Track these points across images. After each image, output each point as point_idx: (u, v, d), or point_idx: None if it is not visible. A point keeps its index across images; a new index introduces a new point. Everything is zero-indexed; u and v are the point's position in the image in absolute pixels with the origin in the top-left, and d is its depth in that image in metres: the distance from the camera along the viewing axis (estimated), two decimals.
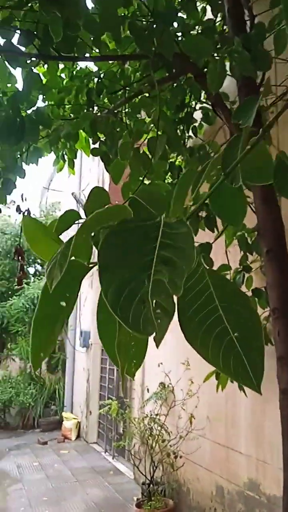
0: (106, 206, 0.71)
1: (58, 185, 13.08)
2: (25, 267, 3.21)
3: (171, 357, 4.92)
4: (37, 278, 10.86)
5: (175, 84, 3.17)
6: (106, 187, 9.05)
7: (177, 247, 0.61)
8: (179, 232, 0.63)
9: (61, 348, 10.97)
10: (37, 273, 12.67)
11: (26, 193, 3.80)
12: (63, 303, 0.70)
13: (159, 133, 2.28)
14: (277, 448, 3.22)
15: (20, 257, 3.03)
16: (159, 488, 4.56)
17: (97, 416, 8.36)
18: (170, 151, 2.78)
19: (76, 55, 2.50)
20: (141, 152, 2.44)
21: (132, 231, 0.66)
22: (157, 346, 0.56)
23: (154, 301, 0.58)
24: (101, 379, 8.54)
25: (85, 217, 1.56)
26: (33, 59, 2.69)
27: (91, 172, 9.87)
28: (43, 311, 0.70)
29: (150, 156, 2.32)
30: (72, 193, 10.22)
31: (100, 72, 3.23)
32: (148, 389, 5.05)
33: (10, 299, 10.52)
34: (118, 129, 3.18)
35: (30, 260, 12.45)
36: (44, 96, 3.08)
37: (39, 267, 13.07)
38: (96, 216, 0.67)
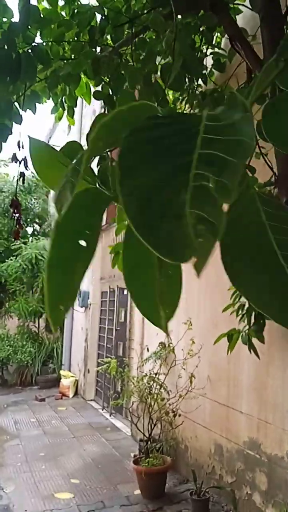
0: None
1: (57, 142, 12.70)
2: (21, 220, 3.00)
3: (174, 318, 4.82)
4: (35, 238, 10.70)
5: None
6: None
7: (229, 140, 0.44)
8: (231, 121, 0.45)
9: None
10: (35, 232, 12.49)
11: (23, 151, 3.57)
12: (83, 242, 0.52)
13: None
14: (280, 409, 3.16)
15: (16, 210, 2.84)
16: (156, 445, 4.57)
17: (95, 374, 8.40)
18: (188, 77, 2.52)
19: None
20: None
21: (163, 126, 0.48)
22: (198, 274, 0.40)
23: (194, 214, 0.41)
24: (99, 338, 8.54)
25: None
26: None
27: None
28: (58, 252, 0.53)
29: (163, 86, 2.10)
30: None
31: (104, 7, 2.95)
32: (148, 349, 5.00)
33: (7, 260, 10.38)
34: (122, 72, 2.93)
35: (28, 220, 12.25)
36: (43, 33, 2.81)
37: (37, 227, 12.88)
38: (117, 114, 0.49)
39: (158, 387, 4.51)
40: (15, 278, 10.19)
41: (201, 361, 4.16)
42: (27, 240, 10.57)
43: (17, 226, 3.11)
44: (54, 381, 9.48)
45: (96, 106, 9.24)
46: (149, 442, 4.49)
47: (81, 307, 9.00)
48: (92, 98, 3.84)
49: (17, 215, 3.38)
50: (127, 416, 6.61)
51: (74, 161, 0.48)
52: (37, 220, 12.68)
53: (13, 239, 10.89)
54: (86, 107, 9.56)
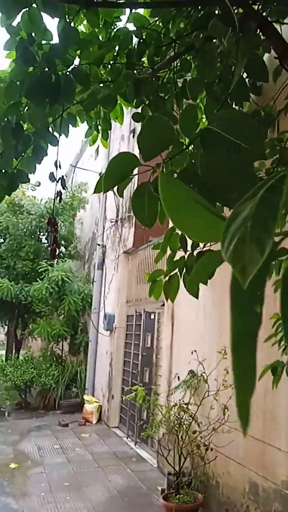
0: None
1: (84, 167, 12.84)
2: (58, 238, 2.95)
3: (206, 345, 4.66)
4: (61, 260, 10.71)
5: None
6: (136, 168, 8.82)
7: None
8: None
9: (84, 331, 10.86)
10: (61, 254, 12.53)
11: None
12: (258, 308, 0.40)
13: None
14: None
15: (53, 228, 2.78)
16: (186, 480, 4.35)
17: (119, 400, 8.21)
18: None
19: (123, 0, 2.21)
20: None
21: None
22: None
23: None
24: (124, 363, 8.37)
25: (139, 155, 1.23)
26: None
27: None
28: (241, 326, 0.40)
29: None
30: (100, 173, 9.97)
31: (143, 30, 2.94)
32: (178, 377, 4.81)
33: (33, 282, 10.39)
34: (162, 94, 2.89)
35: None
36: (82, 54, 2.79)
37: (62, 249, 12.92)
38: None
39: (189, 418, 4.31)
40: (41, 299, 10.17)
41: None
42: (52, 262, 10.58)
43: (54, 244, 3.04)
44: (77, 406, 9.30)
45: (124, 131, 9.32)
46: (178, 477, 4.28)
47: (106, 330, 8.88)
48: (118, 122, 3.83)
49: (54, 232, 3.30)
50: (152, 446, 6.38)
51: (254, 205, 0.35)
52: (63, 242, 12.73)
53: (39, 261, 10.94)
54: (115, 132, 9.65)
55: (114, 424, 8.26)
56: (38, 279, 10.28)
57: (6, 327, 16.61)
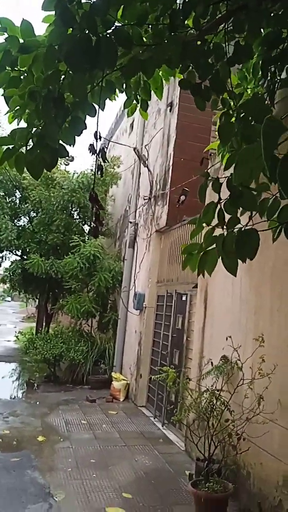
0: None
1: (118, 141, 12.59)
2: (100, 216, 2.76)
3: (241, 331, 4.46)
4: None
5: None
6: (172, 144, 8.44)
7: None
8: None
9: (113, 308, 10.82)
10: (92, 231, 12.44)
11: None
12: None
13: None
14: None
15: (97, 204, 2.60)
16: (214, 467, 4.23)
17: (148, 380, 8.16)
18: None
19: None
20: None
21: None
22: None
23: None
24: (153, 343, 8.27)
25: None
26: None
27: (155, 127, 9.31)
28: None
29: None
30: (135, 149, 9.72)
31: None
32: (211, 362, 4.65)
33: (65, 256, 10.36)
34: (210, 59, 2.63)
35: (86, 218, 12.22)
36: (123, 13, 2.56)
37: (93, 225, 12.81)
38: None
39: (221, 405, 4.16)
40: (71, 275, 10.13)
41: (271, 383, 3.77)
42: (84, 238, 10.51)
43: (97, 222, 2.87)
44: (105, 382, 9.33)
45: (161, 105, 8.99)
46: (208, 464, 4.16)
47: (136, 309, 8.79)
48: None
49: (97, 209, 3.10)
50: (180, 429, 6.30)
51: None
52: (94, 219, 12.62)
53: (70, 235, 10.88)
54: (151, 105, 9.32)
55: (141, 403, 8.23)
56: (69, 253, 10.24)
57: (37, 300, 16.86)
